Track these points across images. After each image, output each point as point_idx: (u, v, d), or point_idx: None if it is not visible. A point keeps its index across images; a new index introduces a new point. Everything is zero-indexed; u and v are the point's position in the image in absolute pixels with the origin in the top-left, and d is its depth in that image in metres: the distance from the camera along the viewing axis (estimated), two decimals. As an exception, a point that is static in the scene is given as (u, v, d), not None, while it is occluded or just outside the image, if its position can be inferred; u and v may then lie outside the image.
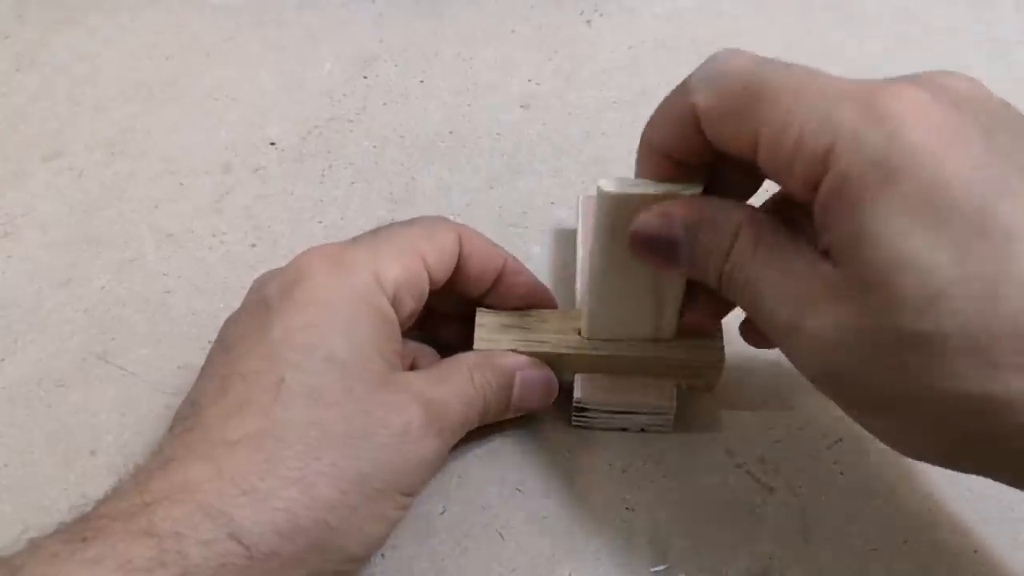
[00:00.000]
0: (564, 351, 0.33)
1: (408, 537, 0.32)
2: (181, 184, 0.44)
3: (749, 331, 0.31)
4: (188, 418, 0.27)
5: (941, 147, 0.22)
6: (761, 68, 0.25)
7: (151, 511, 0.24)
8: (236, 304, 0.31)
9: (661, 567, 0.31)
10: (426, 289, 0.31)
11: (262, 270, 0.31)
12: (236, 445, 0.26)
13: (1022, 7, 0.54)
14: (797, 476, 0.33)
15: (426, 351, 0.34)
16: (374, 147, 0.46)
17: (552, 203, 0.43)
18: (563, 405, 0.34)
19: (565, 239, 0.41)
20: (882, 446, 0.31)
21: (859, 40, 0.52)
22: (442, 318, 0.35)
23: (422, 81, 0.49)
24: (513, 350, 0.33)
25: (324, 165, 0.45)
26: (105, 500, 0.26)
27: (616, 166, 0.44)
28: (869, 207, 0.22)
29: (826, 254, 0.24)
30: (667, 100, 0.27)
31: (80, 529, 0.24)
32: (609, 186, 0.28)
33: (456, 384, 0.31)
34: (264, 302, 0.29)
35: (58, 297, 0.39)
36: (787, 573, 0.31)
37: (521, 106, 0.48)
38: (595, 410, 0.34)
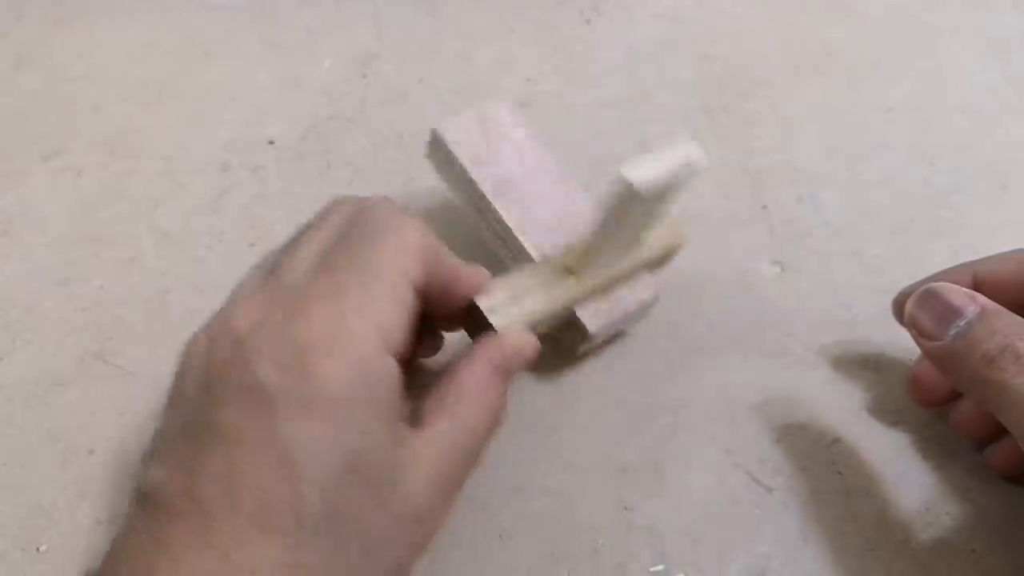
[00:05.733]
0: (567, 303, 0.33)
1: (406, 537, 0.32)
2: (180, 183, 0.44)
3: (920, 388, 0.34)
4: (188, 517, 0.24)
5: None
6: None
7: None
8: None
9: (660, 567, 0.31)
10: (412, 319, 0.28)
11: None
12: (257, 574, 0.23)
13: (1021, 6, 0.53)
14: (796, 476, 0.33)
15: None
16: (373, 146, 0.46)
17: (551, 202, 0.43)
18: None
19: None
20: (879, 446, 0.31)
21: (859, 40, 0.52)
22: None
23: (421, 80, 0.49)
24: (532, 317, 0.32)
25: (323, 164, 0.45)
26: None
27: (614, 165, 0.44)
28: None
29: None
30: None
31: None
32: (644, 183, 0.29)
33: (454, 416, 0.28)
34: (261, 389, 0.24)
35: (56, 296, 0.39)
36: (786, 573, 0.31)
37: (520, 105, 0.48)
38: (601, 334, 0.34)
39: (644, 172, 0.29)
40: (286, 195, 0.43)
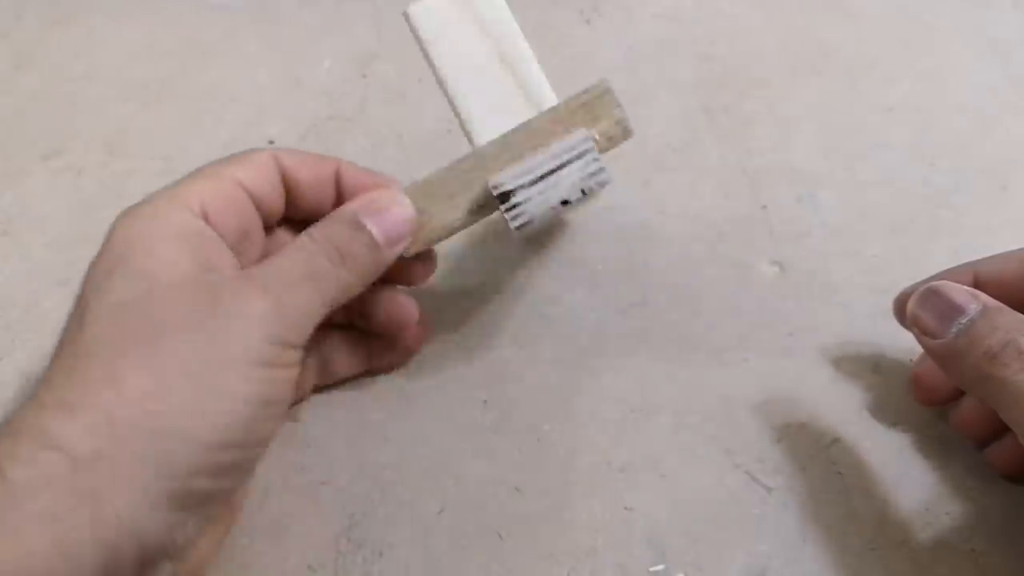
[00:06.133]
0: (461, 164, 0.31)
1: (406, 537, 0.32)
2: (179, 183, 0.44)
3: (921, 387, 0.34)
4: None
5: None
6: None
7: None
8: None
9: (659, 567, 0.31)
10: (248, 205, 0.31)
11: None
12: (50, 379, 0.26)
13: (1021, 6, 0.53)
14: (796, 476, 0.33)
15: None
16: (373, 146, 0.46)
17: (551, 202, 0.43)
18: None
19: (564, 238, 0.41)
20: (879, 446, 0.31)
21: (858, 39, 0.52)
22: None
23: (421, 80, 0.49)
24: (420, 181, 0.32)
25: (323, 164, 0.45)
26: None
27: (614, 164, 0.44)
28: None
29: None
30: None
31: None
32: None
33: (289, 251, 0.30)
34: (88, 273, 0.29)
35: (56, 296, 0.39)
36: (785, 573, 0.31)
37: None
38: (521, 190, 0.30)
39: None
40: (286, 195, 0.43)
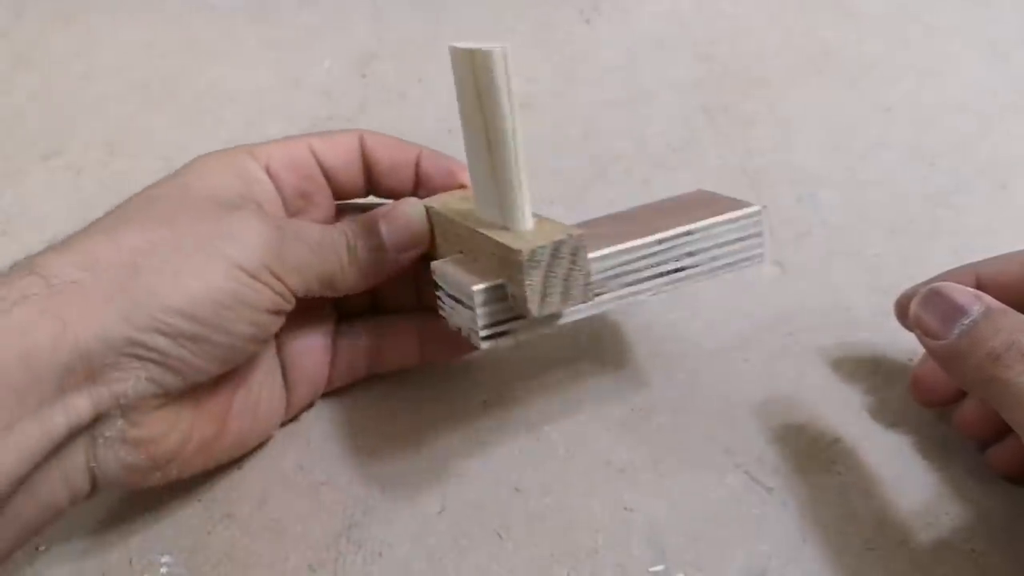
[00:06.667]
0: (456, 218, 0.30)
1: (406, 537, 0.32)
2: (179, 183, 0.44)
3: (921, 388, 0.34)
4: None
5: None
6: None
7: None
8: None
9: (659, 567, 0.31)
10: (316, 171, 0.33)
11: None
12: (67, 240, 0.29)
13: (1021, 7, 0.54)
14: (796, 476, 0.33)
15: None
16: (373, 146, 0.46)
17: (551, 203, 0.43)
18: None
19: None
20: (879, 446, 0.31)
21: (858, 40, 0.52)
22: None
23: (420, 80, 0.49)
24: (430, 207, 0.32)
25: (322, 164, 0.45)
26: None
27: (614, 165, 0.44)
28: None
29: None
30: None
31: None
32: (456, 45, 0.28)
33: (316, 222, 0.33)
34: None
35: (56, 296, 0.39)
36: (785, 573, 0.31)
37: (520, 105, 0.48)
38: (441, 288, 0.30)
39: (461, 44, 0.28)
40: (286, 195, 0.43)
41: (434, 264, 0.30)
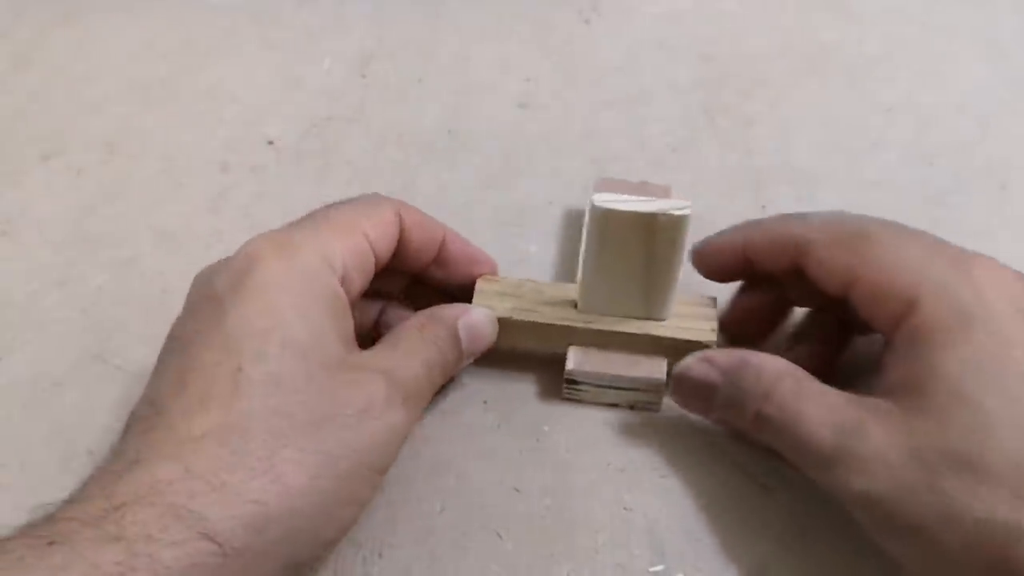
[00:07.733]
0: (557, 322, 0.34)
1: (406, 537, 0.32)
2: (179, 183, 0.44)
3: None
4: (148, 418, 0.27)
5: (1013, 313, 0.27)
6: (869, 221, 0.31)
7: (120, 515, 0.23)
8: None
9: (659, 567, 0.31)
10: (372, 265, 0.32)
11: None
12: (201, 441, 0.25)
13: (1021, 7, 0.54)
14: (795, 476, 0.33)
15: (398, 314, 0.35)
16: (373, 146, 0.46)
17: (550, 203, 0.43)
18: (557, 379, 0.34)
19: (563, 238, 0.41)
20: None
21: (858, 40, 0.52)
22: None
23: (420, 80, 0.49)
24: (508, 317, 0.34)
25: (322, 164, 0.45)
26: (71, 502, 0.25)
27: (614, 165, 0.44)
28: (946, 350, 0.27)
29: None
30: (781, 222, 0.33)
31: (46, 532, 0.23)
32: (601, 201, 0.31)
33: (408, 345, 0.31)
34: (215, 296, 0.28)
35: (55, 296, 0.39)
36: (785, 573, 0.31)
37: (519, 105, 0.48)
38: (585, 383, 0.34)
39: (610, 200, 0.31)
40: (285, 195, 0.43)
41: (570, 368, 0.34)
